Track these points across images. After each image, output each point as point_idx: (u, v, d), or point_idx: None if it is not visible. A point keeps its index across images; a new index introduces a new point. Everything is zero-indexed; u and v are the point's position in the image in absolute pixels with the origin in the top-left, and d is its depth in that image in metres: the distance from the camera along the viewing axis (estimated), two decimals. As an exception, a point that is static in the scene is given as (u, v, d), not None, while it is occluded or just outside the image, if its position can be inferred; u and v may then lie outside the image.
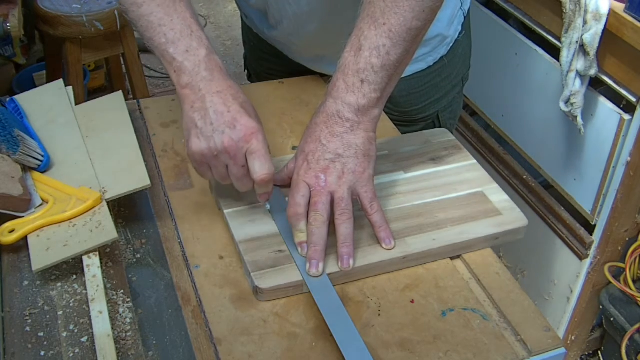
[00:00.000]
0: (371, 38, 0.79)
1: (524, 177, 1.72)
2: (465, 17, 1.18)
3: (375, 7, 0.79)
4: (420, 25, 0.80)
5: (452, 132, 1.26)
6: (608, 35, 1.33)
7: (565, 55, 1.39)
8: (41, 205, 0.86)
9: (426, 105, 1.19)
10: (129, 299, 0.78)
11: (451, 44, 1.16)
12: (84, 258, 0.80)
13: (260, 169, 0.79)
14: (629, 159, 1.41)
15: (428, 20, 0.81)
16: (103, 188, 0.87)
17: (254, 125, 0.79)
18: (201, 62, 0.80)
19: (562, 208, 1.62)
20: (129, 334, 0.74)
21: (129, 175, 0.89)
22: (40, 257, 0.79)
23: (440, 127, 1.21)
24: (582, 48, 1.36)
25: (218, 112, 0.78)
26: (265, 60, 1.27)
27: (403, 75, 1.09)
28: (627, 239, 1.55)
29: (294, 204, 0.81)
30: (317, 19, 1.03)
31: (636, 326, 1.52)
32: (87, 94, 2.36)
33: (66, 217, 0.83)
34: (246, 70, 1.37)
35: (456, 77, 1.21)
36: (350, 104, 0.81)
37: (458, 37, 1.17)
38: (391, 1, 0.78)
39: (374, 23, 0.79)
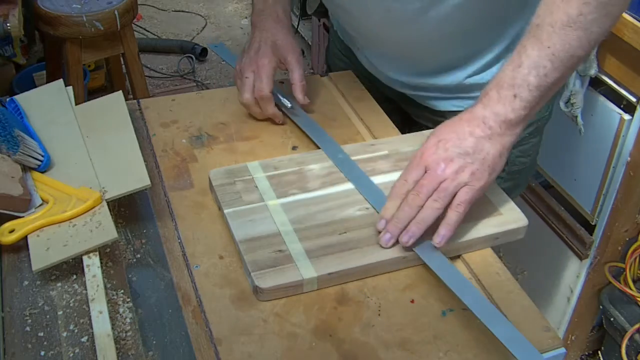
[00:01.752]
0: (533, 57, 0.80)
1: (524, 177, 1.72)
2: None
3: (543, 30, 0.80)
4: (582, 55, 0.81)
5: (526, 176, 1.23)
6: (608, 35, 1.33)
7: (565, 55, 1.39)
8: (41, 205, 0.86)
9: None
10: (129, 299, 0.78)
11: None
12: (84, 258, 0.80)
13: (257, 87, 1.03)
14: (629, 159, 1.41)
15: (589, 52, 0.83)
16: (103, 188, 0.87)
17: (267, 58, 1.04)
18: (265, 8, 1.07)
19: (562, 208, 1.62)
20: (129, 334, 0.74)
21: (129, 175, 0.89)
22: (40, 257, 0.79)
23: (507, 164, 1.15)
24: (582, 48, 1.36)
25: (254, 41, 1.07)
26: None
27: (464, 109, 1.09)
28: (627, 239, 1.55)
29: (404, 181, 0.85)
30: (387, 43, 1.07)
31: (636, 326, 1.52)
32: (87, 94, 2.36)
33: (66, 217, 0.83)
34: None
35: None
36: (498, 114, 0.83)
37: None
38: (560, 28, 0.78)
39: (538, 44, 0.80)
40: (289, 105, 1.07)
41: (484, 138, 0.83)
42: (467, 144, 0.83)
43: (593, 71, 1.38)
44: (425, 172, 0.84)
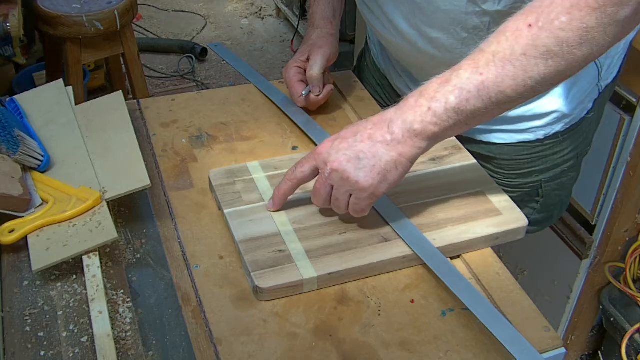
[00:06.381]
0: (462, 78, 0.76)
1: (524, 177, 1.71)
2: (600, 93, 1.09)
3: (483, 56, 0.75)
4: (512, 96, 0.75)
5: (561, 208, 1.22)
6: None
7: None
8: (41, 205, 0.86)
9: (528, 172, 1.12)
10: (129, 299, 0.78)
11: (572, 123, 1.07)
12: (84, 258, 0.80)
13: (308, 69, 1.08)
14: (629, 159, 1.41)
15: (523, 97, 0.76)
16: (103, 188, 0.87)
17: (314, 51, 1.10)
18: (315, 23, 1.15)
19: (562, 208, 1.62)
20: (129, 334, 0.74)
21: (129, 175, 0.89)
22: (40, 257, 0.79)
23: (542, 197, 1.16)
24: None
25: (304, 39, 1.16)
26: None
27: (507, 142, 1.07)
28: (627, 239, 1.55)
29: (294, 168, 0.86)
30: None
31: (636, 326, 1.52)
32: (87, 94, 2.36)
33: (66, 217, 0.83)
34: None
35: (570, 153, 1.12)
36: (405, 121, 0.78)
37: (585, 115, 1.08)
38: (500, 59, 0.73)
39: (473, 68, 0.75)
40: (305, 92, 1.11)
41: (382, 143, 0.79)
42: (361, 147, 0.80)
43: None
44: (316, 169, 0.84)
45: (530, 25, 0.72)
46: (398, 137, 0.79)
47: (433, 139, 0.79)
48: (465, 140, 1.08)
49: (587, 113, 1.09)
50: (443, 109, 0.76)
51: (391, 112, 0.81)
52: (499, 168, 1.12)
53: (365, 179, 0.80)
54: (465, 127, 0.79)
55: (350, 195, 0.82)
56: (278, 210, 0.89)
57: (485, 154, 1.10)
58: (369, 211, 0.89)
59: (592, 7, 0.68)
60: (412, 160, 0.81)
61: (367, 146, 0.80)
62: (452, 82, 0.76)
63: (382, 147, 0.80)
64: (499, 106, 0.76)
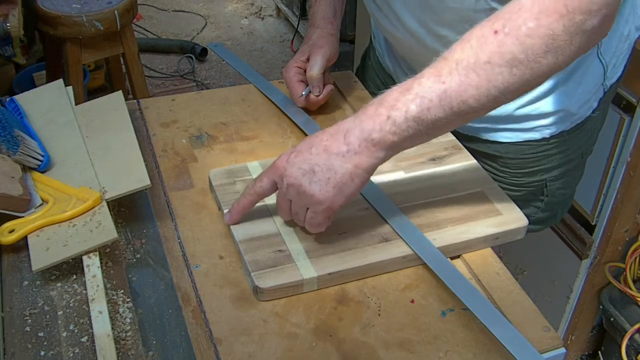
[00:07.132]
0: (424, 87, 0.74)
1: (524, 177, 1.71)
2: (605, 92, 1.09)
3: (446, 65, 0.73)
4: (474, 106, 0.73)
5: (564, 207, 1.22)
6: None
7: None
8: (41, 205, 0.86)
9: (534, 171, 1.12)
10: (129, 299, 0.78)
11: (577, 122, 1.08)
12: (84, 258, 0.80)
13: (308, 69, 1.08)
14: (629, 159, 1.41)
15: (485, 108, 0.74)
16: (103, 188, 0.87)
17: (314, 51, 1.10)
18: (316, 23, 1.14)
19: (562, 208, 1.62)
20: (129, 334, 0.74)
21: (129, 175, 0.89)
22: (40, 257, 0.79)
23: (547, 195, 1.15)
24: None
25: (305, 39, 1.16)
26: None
27: (513, 140, 1.06)
28: (627, 239, 1.56)
29: (254, 181, 0.84)
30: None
31: (636, 326, 1.52)
32: (87, 94, 2.36)
33: (66, 217, 0.83)
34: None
35: (576, 152, 1.12)
36: (363, 130, 0.76)
37: (590, 114, 1.09)
38: (463, 68, 0.72)
39: (436, 76, 0.74)
40: (305, 92, 1.10)
41: (337, 155, 0.77)
42: (316, 160, 0.78)
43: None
44: (275, 183, 0.82)
45: (496, 32, 0.70)
46: (354, 147, 0.77)
47: (392, 148, 0.77)
48: (471, 139, 1.08)
49: (593, 112, 1.09)
50: (403, 117, 0.75)
51: (349, 122, 0.79)
52: (504, 167, 1.12)
53: (320, 192, 0.78)
54: (425, 138, 0.77)
55: (307, 209, 0.81)
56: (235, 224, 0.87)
57: (490, 153, 1.10)
58: (369, 211, 0.90)
59: (560, 14, 0.67)
60: (370, 172, 0.79)
61: (323, 159, 0.78)
62: (414, 90, 0.74)
63: (338, 159, 0.78)
64: (460, 116, 0.75)
